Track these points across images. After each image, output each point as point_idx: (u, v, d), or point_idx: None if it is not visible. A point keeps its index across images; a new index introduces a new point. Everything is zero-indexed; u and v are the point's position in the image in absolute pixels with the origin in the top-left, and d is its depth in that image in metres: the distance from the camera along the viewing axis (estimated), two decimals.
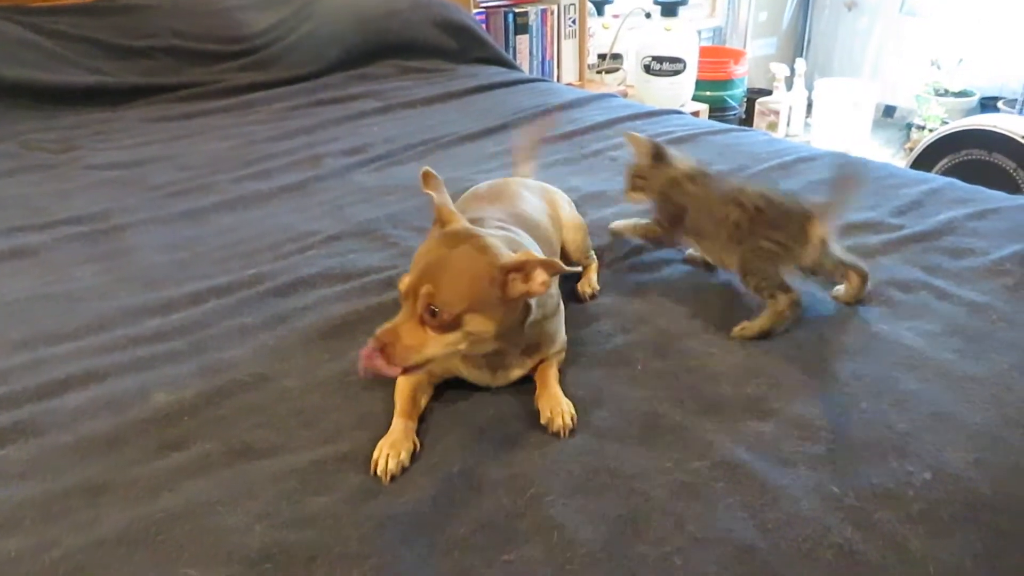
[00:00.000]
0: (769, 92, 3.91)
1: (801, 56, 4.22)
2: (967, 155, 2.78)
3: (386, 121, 1.81)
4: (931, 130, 3.49)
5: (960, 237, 1.15)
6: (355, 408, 0.84)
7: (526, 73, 2.33)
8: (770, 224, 0.95)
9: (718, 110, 3.57)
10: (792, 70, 3.85)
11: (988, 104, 3.62)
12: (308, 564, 0.64)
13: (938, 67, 3.74)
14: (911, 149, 3.58)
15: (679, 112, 1.79)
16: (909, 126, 3.83)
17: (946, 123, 3.48)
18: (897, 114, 4.10)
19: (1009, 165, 2.63)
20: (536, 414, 0.80)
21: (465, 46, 2.27)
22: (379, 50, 2.17)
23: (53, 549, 0.66)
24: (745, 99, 3.79)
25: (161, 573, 0.63)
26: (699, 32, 3.79)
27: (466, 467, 0.73)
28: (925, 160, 2.90)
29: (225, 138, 1.71)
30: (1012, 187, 2.56)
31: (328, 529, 0.67)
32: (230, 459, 0.77)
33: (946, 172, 2.84)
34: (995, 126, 2.67)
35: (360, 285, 1.07)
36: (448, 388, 0.86)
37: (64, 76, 1.89)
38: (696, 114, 3.39)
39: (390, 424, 0.79)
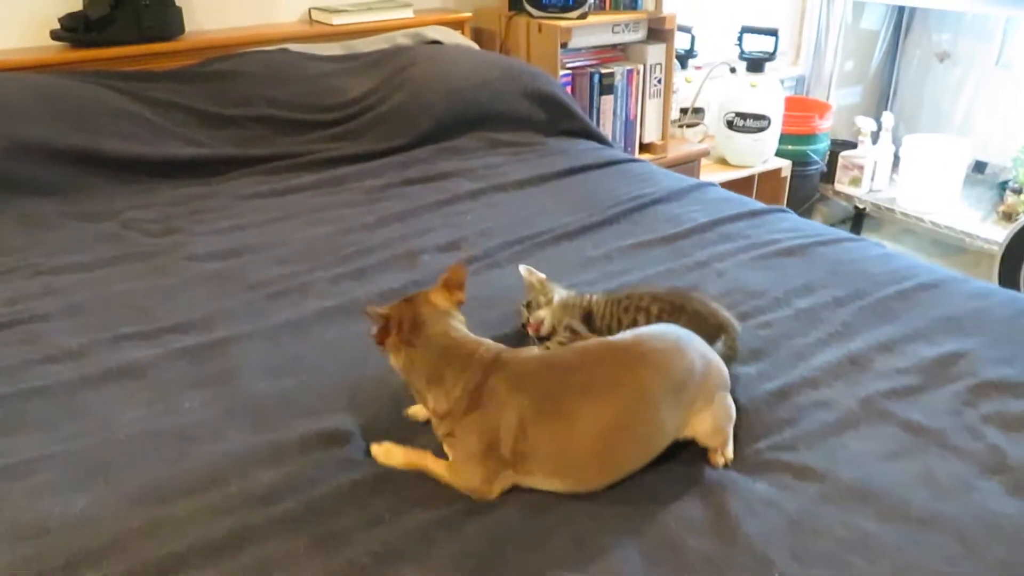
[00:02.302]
0: (853, 145, 3.79)
1: (887, 108, 4.08)
2: None
3: (479, 208, 1.78)
4: None
5: None
6: None
7: (615, 148, 2.29)
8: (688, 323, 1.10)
9: (800, 164, 3.48)
10: (879, 124, 3.72)
11: None
12: None
13: None
14: (1006, 213, 3.43)
15: (783, 211, 1.72)
16: (1003, 186, 3.66)
17: None
18: (988, 170, 3.92)
19: None
20: None
21: (554, 117, 2.24)
22: (469, 122, 2.15)
23: None
24: (828, 152, 3.68)
25: None
26: (782, 81, 3.70)
27: None
28: None
29: (318, 223, 1.71)
30: None
31: None
32: None
33: None
34: None
35: None
36: None
37: (162, 148, 1.92)
38: (778, 171, 3.32)
39: None
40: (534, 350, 1.01)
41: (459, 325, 1.02)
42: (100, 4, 2.07)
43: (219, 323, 1.32)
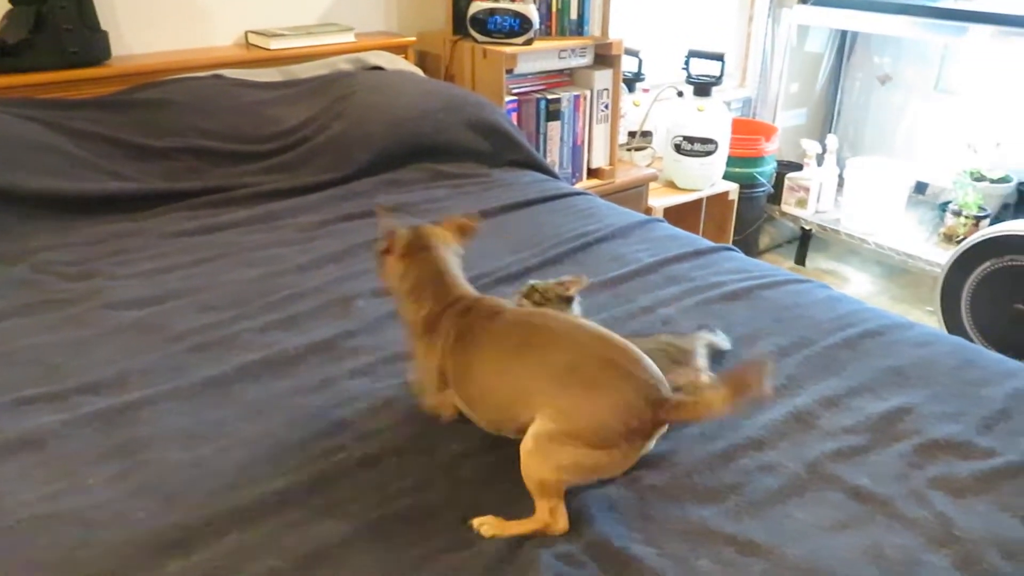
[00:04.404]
0: (799, 166, 3.82)
1: (831, 130, 4.14)
2: (1011, 261, 2.69)
3: None
4: (967, 217, 3.40)
5: None
6: None
7: (562, 178, 2.25)
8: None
9: (747, 186, 3.49)
10: (823, 147, 3.76)
11: None
12: None
13: (974, 151, 3.65)
14: (947, 235, 3.49)
15: (730, 249, 1.69)
16: (943, 208, 3.73)
17: (984, 210, 3.39)
18: (928, 191, 4.00)
19: None
20: None
21: (499, 148, 2.19)
22: (411, 153, 2.08)
23: None
24: (775, 174, 3.71)
25: None
26: (728, 103, 3.72)
27: None
28: (965, 263, 2.81)
29: (250, 264, 1.62)
30: None
31: None
32: None
33: (987, 276, 2.75)
34: None
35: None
36: None
37: (83, 184, 1.81)
38: (726, 194, 3.32)
39: None
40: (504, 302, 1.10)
41: (456, 259, 1.15)
42: (18, 28, 1.96)
43: (133, 382, 1.23)
